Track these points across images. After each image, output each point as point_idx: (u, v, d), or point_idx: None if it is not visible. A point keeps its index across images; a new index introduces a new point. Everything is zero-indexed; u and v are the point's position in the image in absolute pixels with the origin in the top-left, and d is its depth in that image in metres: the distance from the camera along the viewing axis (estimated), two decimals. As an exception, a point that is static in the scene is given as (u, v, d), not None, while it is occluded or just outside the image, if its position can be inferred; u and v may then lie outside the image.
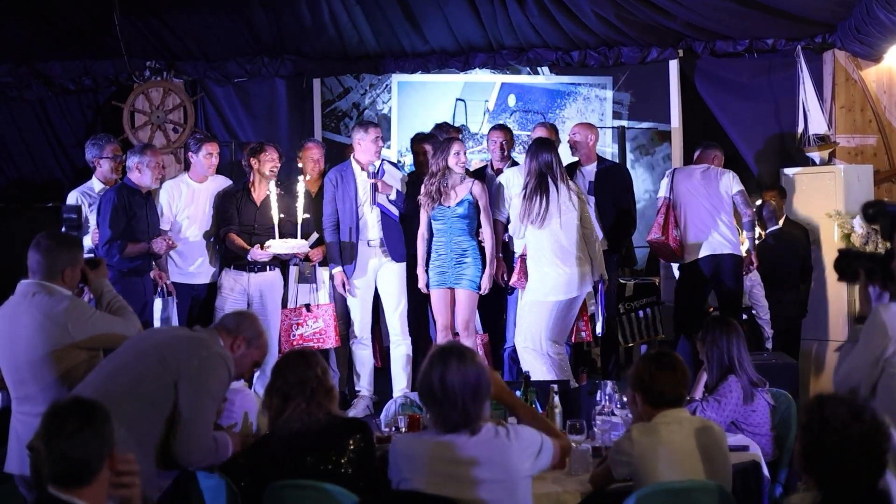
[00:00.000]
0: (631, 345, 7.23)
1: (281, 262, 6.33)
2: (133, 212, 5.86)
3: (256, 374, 5.49)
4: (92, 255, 5.51)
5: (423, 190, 6.14)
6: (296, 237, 6.12)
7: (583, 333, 6.30)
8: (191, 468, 3.61)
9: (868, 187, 7.43)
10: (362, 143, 6.30)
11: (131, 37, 7.68)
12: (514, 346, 6.10)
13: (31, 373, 3.77)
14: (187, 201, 6.34)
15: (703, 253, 6.53)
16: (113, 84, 8.26)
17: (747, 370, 4.46)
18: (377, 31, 7.97)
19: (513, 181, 6.11)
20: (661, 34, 7.91)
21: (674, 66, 8.11)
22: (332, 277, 6.37)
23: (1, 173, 8.09)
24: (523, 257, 6.00)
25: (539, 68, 8.37)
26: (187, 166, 6.76)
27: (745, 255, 6.60)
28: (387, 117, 8.45)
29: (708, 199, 6.55)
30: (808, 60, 7.75)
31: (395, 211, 6.33)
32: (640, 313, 7.25)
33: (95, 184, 6.40)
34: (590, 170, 6.77)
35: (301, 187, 6.12)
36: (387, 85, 8.50)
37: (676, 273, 7.05)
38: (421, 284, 6.23)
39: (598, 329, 6.24)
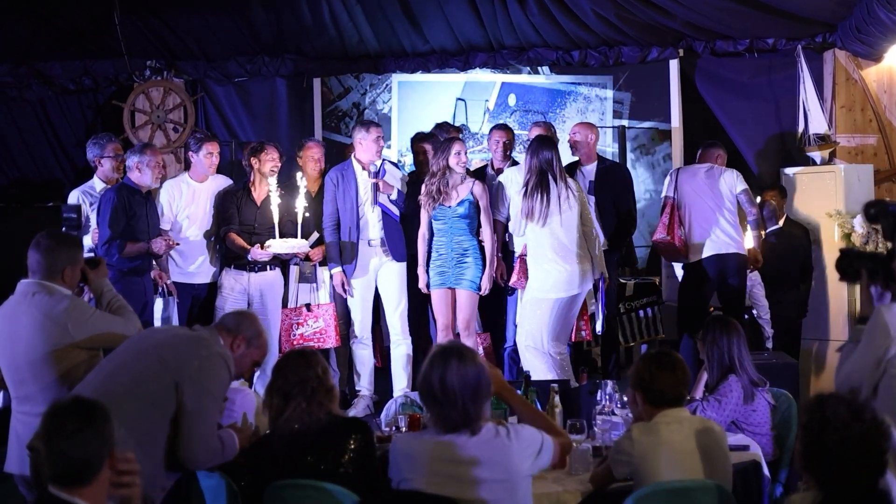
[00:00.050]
0: (631, 344, 7.23)
1: (281, 262, 6.33)
2: (133, 211, 5.85)
3: (257, 374, 5.49)
4: (92, 254, 5.51)
5: (423, 190, 6.14)
6: (296, 237, 6.12)
7: (583, 333, 6.31)
8: (199, 469, 3.61)
9: (868, 187, 7.43)
10: (363, 143, 6.30)
11: (131, 36, 7.67)
12: (515, 345, 6.11)
13: (31, 372, 3.77)
14: (188, 201, 6.34)
15: (707, 252, 6.52)
16: (113, 84, 8.25)
17: (748, 370, 4.46)
18: (377, 30, 7.97)
19: (513, 181, 6.11)
20: (662, 34, 7.91)
21: (674, 65, 8.11)
22: (332, 277, 6.37)
23: (1, 173, 8.08)
24: (522, 257, 6.00)
25: (539, 68, 8.37)
26: (188, 166, 6.76)
27: (748, 252, 6.59)
28: (387, 117, 8.45)
29: (712, 198, 6.55)
30: (809, 60, 7.74)
31: (396, 211, 6.32)
32: (641, 313, 7.25)
33: (97, 183, 6.41)
34: (590, 169, 6.77)
35: (301, 187, 6.12)
36: (387, 84, 8.49)
37: (678, 272, 7.05)
38: (421, 285, 6.23)
39: (598, 327, 6.24)
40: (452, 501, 2.98)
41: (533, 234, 5.87)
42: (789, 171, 7.60)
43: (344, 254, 6.30)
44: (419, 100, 8.47)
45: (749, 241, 6.67)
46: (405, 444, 3.20)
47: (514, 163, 6.61)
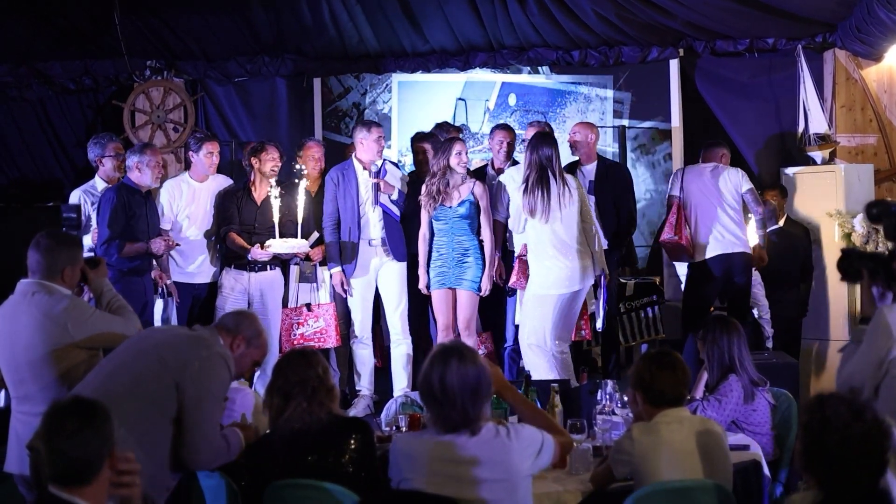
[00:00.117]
0: (632, 344, 7.23)
1: (281, 262, 6.33)
2: (133, 211, 5.85)
3: (257, 374, 5.49)
4: (92, 254, 5.51)
5: (424, 190, 6.14)
6: (296, 237, 6.12)
7: (583, 332, 6.31)
8: (205, 469, 3.60)
9: (868, 187, 7.43)
10: (364, 143, 6.30)
11: (131, 36, 7.67)
12: (515, 345, 6.10)
13: (30, 372, 3.77)
14: (188, 201, 6.34)
15: (713, 252, 6.52)
16: (113, 84, 8.25)
17: (748, 369, 4.46)
18: (377, 30, 7.97)
19: (513, 180, 6.10)
20: (662, 33, 7.91)
21: (674, 65, 8.10)
22: (331, 277, 6.37)
23: (1, 173, 8.08)
24: (521, 258, 5.99)
25: (539, 68, 8.36)
26: (188, 166, 6.76)
27: (753, 251, 6.59)
28: (387, 117, 8.44)
29: (718, 197, 6.55)
30: (809, 60, 7.74)
31: (397, 211, 6.32)
32: (641, 313, 7.25)
33: (98, 183, 6.42)
34: (590, 169, 6.76)
35: (302, 187, 6.12)
36: (387, 84, 8.49)
37: (680, 272, 7.05)
38: (421, 285, 6.22)
39: (599, 325, 6.24)
40: (452, 501, 2.98)
41: (534, 230, 5.87)
42: (789, 170, 7.60)
43: (344, 253, 6.30)
44: (419, 99, 8.46)
45: (754, 240, 6.66)
46: (405, 444, 3.19)
47: (515, 163, 6.61)
